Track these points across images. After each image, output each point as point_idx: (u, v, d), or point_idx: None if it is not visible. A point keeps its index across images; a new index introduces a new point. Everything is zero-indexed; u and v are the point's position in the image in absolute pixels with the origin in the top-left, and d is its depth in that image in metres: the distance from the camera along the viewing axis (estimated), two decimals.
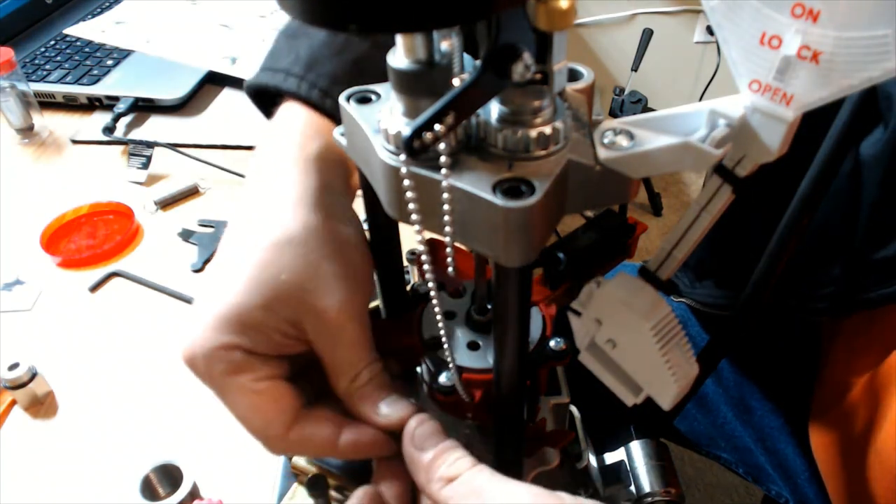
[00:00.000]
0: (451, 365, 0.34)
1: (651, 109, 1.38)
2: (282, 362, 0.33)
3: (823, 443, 0.58)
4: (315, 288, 0.31)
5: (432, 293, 0.28)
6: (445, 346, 0.32)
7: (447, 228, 0.25)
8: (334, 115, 0.36)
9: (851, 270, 0.51)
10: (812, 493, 0.64)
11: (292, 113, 0.38)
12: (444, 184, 0.24)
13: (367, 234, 0.37)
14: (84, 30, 1.05)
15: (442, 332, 0.31)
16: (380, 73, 0.26)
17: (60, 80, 0.96)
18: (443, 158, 0.24)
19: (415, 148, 0.23)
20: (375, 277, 0.39)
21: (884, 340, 0.51)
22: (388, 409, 0.33)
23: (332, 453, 0.34)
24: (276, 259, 0.31)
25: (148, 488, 0.46)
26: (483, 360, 0.36)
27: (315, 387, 0.35)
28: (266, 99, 0.40)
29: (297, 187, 0.33)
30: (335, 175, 0.36)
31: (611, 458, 0.49)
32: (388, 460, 0.34)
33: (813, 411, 0.60)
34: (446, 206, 0.24)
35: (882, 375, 0.51)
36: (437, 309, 0.29)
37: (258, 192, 0.35)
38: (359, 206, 0.37)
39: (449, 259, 0.26)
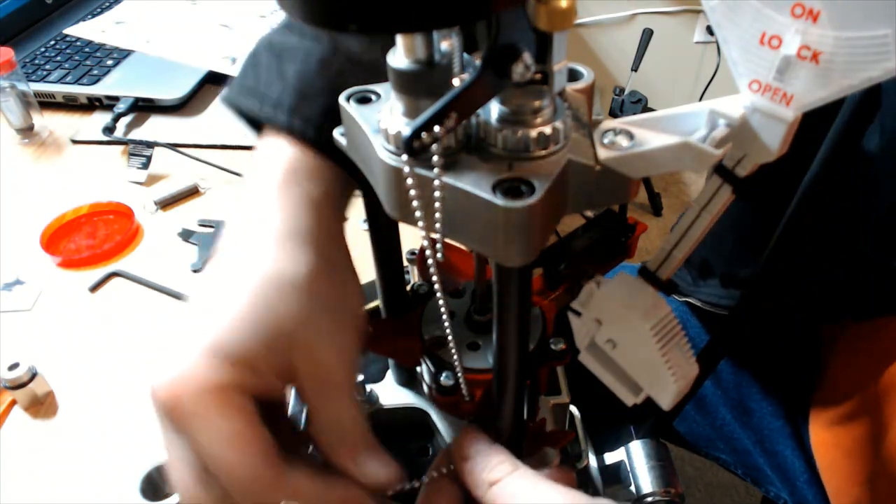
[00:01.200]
0: (455, 365, 0.34)
1: (651, 109, 1.38)
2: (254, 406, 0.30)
3: (824, 445, 0.58)
4: (313, 332, 0.30)
5: (438, 293, 0.28)
6: (452, 346, 0.32)
7: (438, 226, 0.25)
8: (327, 150, 0.33)
9: (857, 275, 0.51)
10: (811, 495, 0.64)
11: (279, 149, 0.34)
12: (437, 182, 0.24)
13: (368, 235, 0.37)
14: (84, 30, 1.05)
15: (448, 332, 0.31)
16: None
17: (60, 80, 0.96)
18: (435, 157, 0.24)
19: (415, 148, 0.23)
20: (375, 277, 0.39)
21: (890, 348, 0.51)
22: (373, 468, 0.32)
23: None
24: (273, 297, 0.29)
25: (148, 488, 0.46)
26: (483, 360, 0.36)
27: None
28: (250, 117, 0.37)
29: (290, 224, 0.32)
30: (329, 214, 0.34)
31: (611, 458, 0.49)
32: (439, 477, 0.34)
33: (813, 413, 0.60)
34: (437, 204, 0.24)
35: (887, 381, 0.50)
36: (443, 309, 0.29)
37: (247, 227, 0.32)
38: (359, 206, 0.37)
39: (439, 255, 0.26)
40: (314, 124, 0.33)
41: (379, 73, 0.30)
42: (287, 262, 0.30)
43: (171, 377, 0.28)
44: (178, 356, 0.29)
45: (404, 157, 0.24)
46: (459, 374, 0.34)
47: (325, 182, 0.34)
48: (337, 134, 0.31)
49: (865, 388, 0.53)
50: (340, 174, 0.35)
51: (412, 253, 0.51)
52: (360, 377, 0.43)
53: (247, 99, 0.35)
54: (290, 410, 0.39)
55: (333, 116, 0.31)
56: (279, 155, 0.34)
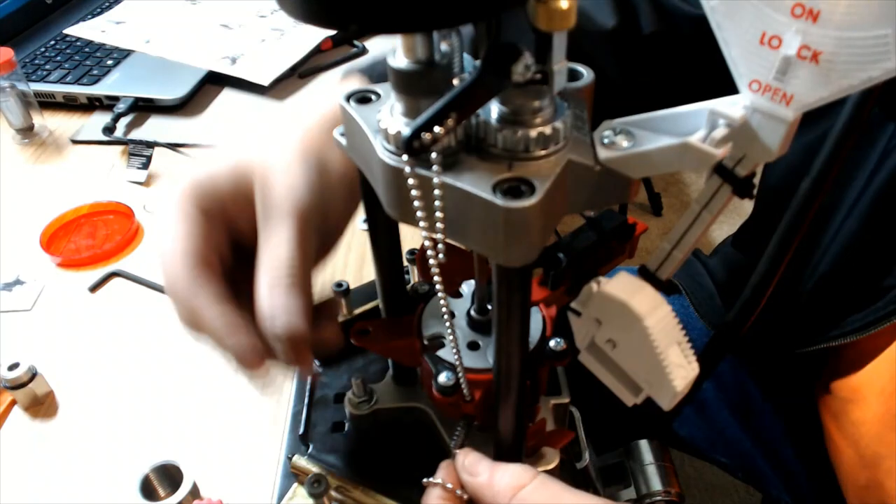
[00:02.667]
0: (457, 365, 0.34)
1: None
2: (223, 232, 0.34)
3: (833, 428, 0.58)
4: (273, 164, 0.33)
5: (440, 293, 0.28)
6: (453, 347, 0.32)
7: (438, 225, 0.25)
8: None
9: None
10: (813, 496, 0.64)
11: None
12: (436, 181, 0.24)
13: (368, 235, 0.37)
14: (84, 30, 1.05)
15: (449, 332, 0.31)
16: None
17: (60, 80, 0.96)
18: (434, 155, 0.24)
19: (415, 148, 0.23)
20: (375, 277, 0.39)
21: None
22: (281, 321, 0.31)
23: (200, 316, 0.32)
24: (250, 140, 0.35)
25: (148, 488, 0.46)
26: (483, 360, 0.36)
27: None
28: None
29: (319, 121, 0.36)
30: None
31: (611, 458, 0.49)
32: (442, 487, 0.34)
33: (821, 397, 0.60)
34: (438, 203, 0.24)
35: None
36: (443, 309, 0.29)
37: (303, 100, 0.39)
38: (359, 206, 0.37)
39: (440, 256, 0.26)
40: None
41: None
42: (306, 135, 0.35)
43: (162, 198, 0.34)
44: (175, 183, 0.34)
45: (404, 157, 0.24)
46: (460, 374, 0.34)
47: None
48: (337, 134, 0.31)
49: (872, 359, 0.53)
50: None
51: (412, 253, 0.51)
52: (360, 379, 0.43)
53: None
54: None
55: None
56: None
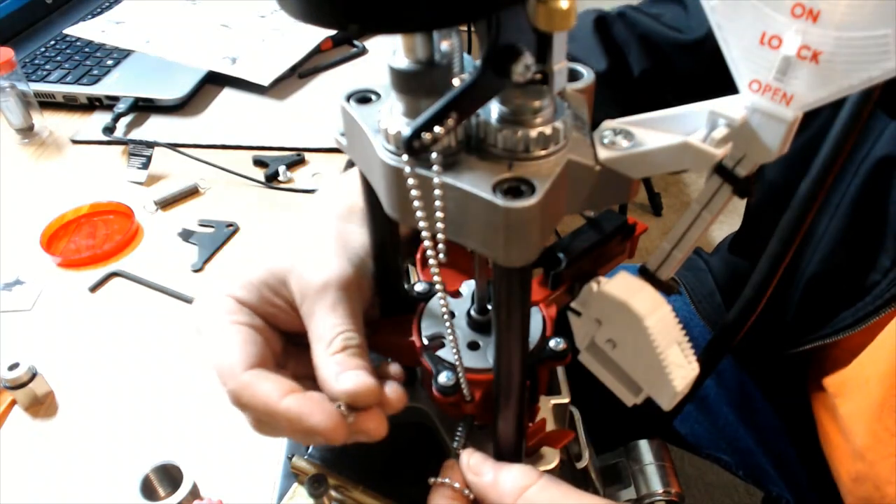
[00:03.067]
0: (457, 365, 0.34)
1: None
2: (271, 334, 0.37)
3: (825, 419, 0.59)
4: (304, 261, 0.35)
5: (440, 293, 0.28)
6: (453, 347, 0.32)
7: (439, 225, 0.25)
8: None
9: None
10: (814, 493, 0.64)
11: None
12: (436, 181, 0.24)
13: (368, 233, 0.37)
14: (84, 30, 1.05)
15: (449, 332, 0.31)
16: None
17: (60, 80, 0.96)
18: (434, 155, 0.24)
19: (415, 148, 0.23)
20: (375, 277, 0.39)
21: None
22: (347, 378, 0.32)
23: (273, 408, 0.33)
24: (278, 246, 0.37)
25: (148, 488, 0.46)
26: (483, 360, 0.36)
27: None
28: None
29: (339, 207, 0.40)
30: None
31: (611, 458, 0.49)
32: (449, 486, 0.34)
33: (813, 388, 0.60)
34: (438, 203, 0.24)
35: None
36: (443, 309, 0.29)
37: (326, 194, 0.42)
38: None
39: (441, 256, 0.26)
40: None
41: None
42: (320, 223, 0.38)
43: (203, 304, 0.37)
44: (214, 289, 0.37)
45: (404, 157, 0.24)
46: (460, 374, 0.34)
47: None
48: (337, 134, 0.31)
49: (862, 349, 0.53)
50: None
51: None
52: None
53: None
54: None
55: None
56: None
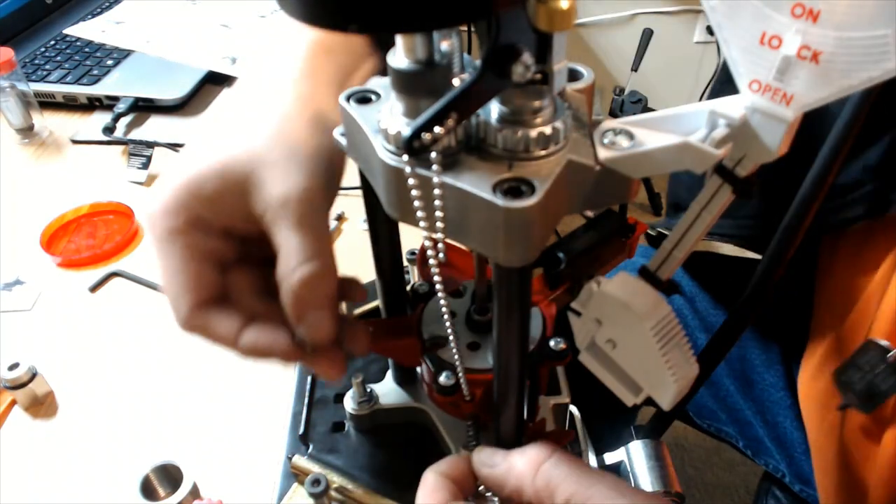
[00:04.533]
0: (457, 365, 0.34)
1: (651, 109, 1.38)
2: (228, 244, 0.34)
3: (807, 398, 0.59)
4: (264, 166, 0.32)
5: (441, 293, 0.28)
6: (453, 347, 0.32)
7: (439, 225, 0.25)
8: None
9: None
10: (808, 467, 0.64)
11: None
12: (436, 181, 0.24)
13: (368, 235, 0.37)
14: (84, 30, 1.05)
15: (450, 332, 0.31)
16: None
17: (60, 80, 0.96)
18: (434, 155, 0.24)
19: (415, 148, 0.23)
20: (375, 277, 0.39)
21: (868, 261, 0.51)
22: (314, 319, 0.31)
23: (231, 347, 0.33)
24: (250, 131, 0.33)
25: (148, 488, 0.46)
26: (483, 360, 0.36)
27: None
28: None
29: (292, 92, 0.35)
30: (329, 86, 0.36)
31: (611, 458, 0.49)
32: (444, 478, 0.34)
33: (802, 364, 0.60)
34: (438, 203, 0.24)
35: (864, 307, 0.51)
36: (444, 309, 0.29)
37: (261, 73, 0.37)
38: (359, 206, 0.37)
39: (441, 256, 0.26)
40: None
41: None
42: (269, 114, 0.33)
43: (150, 209, 0.33)
44: (161, 188, 0.33)
45: (405, 157, 0.24)
46: (460, 374, 0.34)
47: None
48: (337, 134, 0.31)
49: (843, 323, 0.53)
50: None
51: (412, 253, 0.51)
52: (360, 377, 0.43)
53: None
54: None
55: None
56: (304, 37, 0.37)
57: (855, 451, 0.52)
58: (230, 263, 0.35)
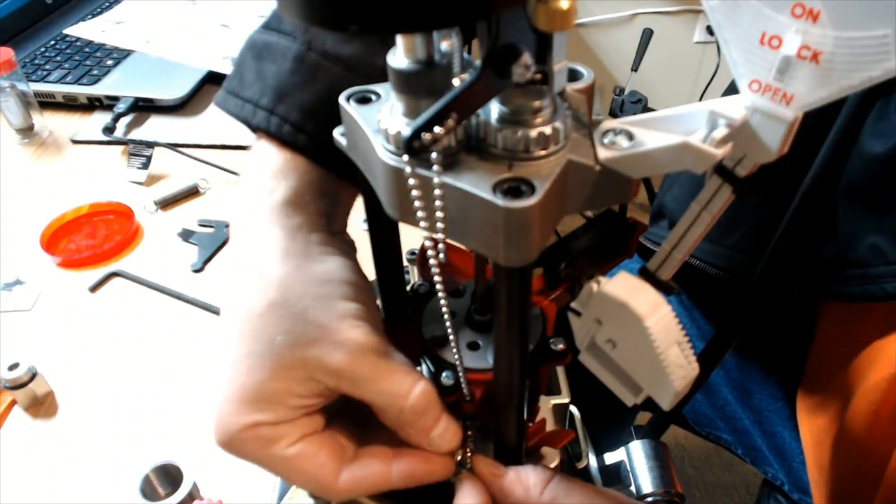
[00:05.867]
0: (457, 365, 0.34)
1: (651, 109, 1.38)
2: (314, 417, 0.33)
3: (806, 429, 0.59)
4: (315, 339, 0.30)
5: (440, 293, 0.28)
6: (453, 347, 0.32)
7: (439, 225, 0.25)
8: (308, 151, 0.34)
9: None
10: (806, 476, 0.64)
11: (263, 151, 0.35)
12: (436, 180, 0.24)
13: (368, 235, 0.37)
14: (84, 30, 1.05)
15: (450, 331, 0.31)
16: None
17: (60, 80, 0.96)
18: (434, 155, 0.24)
19: (415, 148, 0.23)
20: (375, 277, 0.39)
21: (866, 336, 0.51)
22: (438, 437, 0.33)
23: (388, 487, 0.33)
24: (264, 326, 0.30)
25: (148, 488, 0.46)
26: (483, 360, 0.36)
27: (360, 416, 0.34)
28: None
29: (267, 243, 0.32)
30: (308, 214, 0.34)
31: (611, 458, 0.49)
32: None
33: (799, 398, 0.60)
34: (438, 203, 0.24)
35: (855, 371, 0.51)
36: (444, 309, 0.29)
37: (239, 252, 0.34)
38: (359, 206, 0.37)
39: (441, 256, 0.26)
40: (292, 122, 0.34)
41: (354, 67, 0.32)
42: (268, 286, 0.31)
43: (217, 432, 0.31)
44: (218, 409, 0.31)
45: (405, 157, 0.24)
46: (461, 374, 0.34)
47: (305, 182, 0.34)
48: (337, 134, 0.31)
49: (837, 377, 0.53)
50: (324, 173, 0.35)
51: (412, 253, 0.51)
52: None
53: (231, 101, 0.36)
54: None
55: (312, 114, 0.32)
56: (262, 161, 0.35)
57: (853, 472, 0.52)
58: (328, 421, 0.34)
